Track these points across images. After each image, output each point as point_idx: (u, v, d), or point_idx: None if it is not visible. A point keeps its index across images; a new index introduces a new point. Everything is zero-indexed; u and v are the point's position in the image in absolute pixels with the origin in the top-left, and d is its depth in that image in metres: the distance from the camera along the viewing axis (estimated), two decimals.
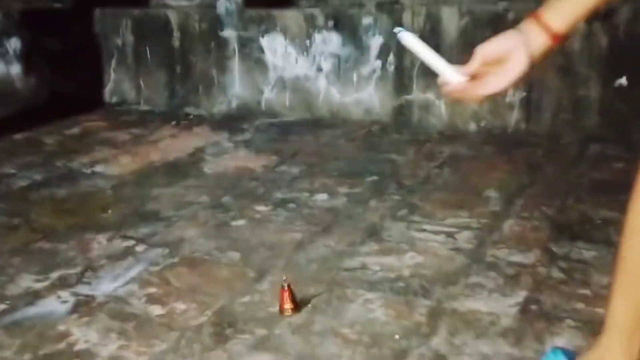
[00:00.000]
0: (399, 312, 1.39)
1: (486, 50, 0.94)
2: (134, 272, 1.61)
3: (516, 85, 1.03)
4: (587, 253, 1.62)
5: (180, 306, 1.45)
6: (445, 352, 1.25)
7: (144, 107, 3.28)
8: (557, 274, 1.52)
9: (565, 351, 1.07)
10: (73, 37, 3.29)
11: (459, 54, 2.62)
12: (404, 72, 2.74)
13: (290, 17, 2.90)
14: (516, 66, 0.92)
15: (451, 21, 2.62)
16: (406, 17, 2.69)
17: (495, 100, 2.64)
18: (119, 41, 3.23)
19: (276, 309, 1.41)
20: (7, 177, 2.33)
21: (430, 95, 2.71)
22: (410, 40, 0.98)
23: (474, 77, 0.94)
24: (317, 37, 2.86)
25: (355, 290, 1.49)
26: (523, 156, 2.39)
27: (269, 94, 3.01)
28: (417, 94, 2.73)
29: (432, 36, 2.61)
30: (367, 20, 2.77)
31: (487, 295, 1.45)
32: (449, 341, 1.28)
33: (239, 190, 2.15)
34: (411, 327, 1.33)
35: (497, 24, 2.57)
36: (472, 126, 2.69)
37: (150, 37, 3.19)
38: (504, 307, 1.39)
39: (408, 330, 1.32)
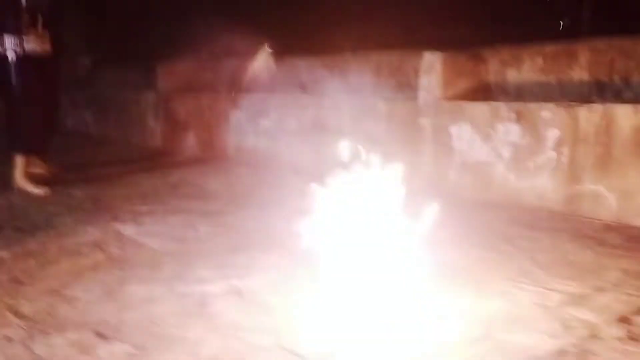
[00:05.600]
0: None
1: None
2: None
3: None
4: None
5: None
6: None
7: None
8: None
9: None
10: None
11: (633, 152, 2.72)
12: (577, 163, 2.89)
13: (478, 109, 3.26)
14: None
15: (625, 119, 2.74)
16: (582, 112, 2.87)
17: None
18: None
19: None
20: None
21: (600, 187, 2.81)
22: None
23: None
24: (500, 127, 3.16)
25: None
26: None
27: (453, 175, 3.37)
28: (587, 185, 2.85)
29: (605, 133, 2.75)
30: (546, 114, 3.00)
31: None
32: None
33: None
34: None
35: None
36: None
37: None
38: None
39: None
